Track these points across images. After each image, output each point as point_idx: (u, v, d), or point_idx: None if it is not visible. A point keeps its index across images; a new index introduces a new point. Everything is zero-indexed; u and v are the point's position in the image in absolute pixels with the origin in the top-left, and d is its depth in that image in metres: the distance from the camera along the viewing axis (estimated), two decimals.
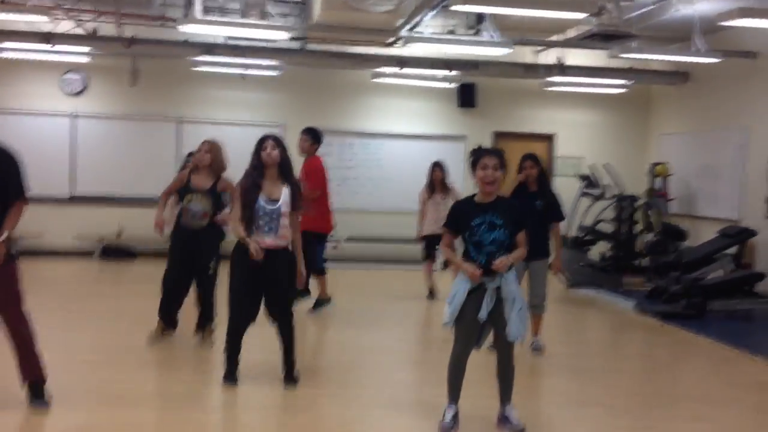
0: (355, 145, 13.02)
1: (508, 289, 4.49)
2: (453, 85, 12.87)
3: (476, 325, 4.51)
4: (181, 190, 6.44)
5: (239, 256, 5.26)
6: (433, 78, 12.31)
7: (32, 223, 11.24)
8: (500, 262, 4.43)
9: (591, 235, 11.42)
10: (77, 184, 12.25)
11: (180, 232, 6.45)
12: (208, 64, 11.66)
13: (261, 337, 5.69)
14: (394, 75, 12.09)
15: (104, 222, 12.20)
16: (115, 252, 12.18)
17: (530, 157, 6.87)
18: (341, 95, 12.98)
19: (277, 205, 5.26)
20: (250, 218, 5.23)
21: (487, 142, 13.37)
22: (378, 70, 12.07)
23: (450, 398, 4.62)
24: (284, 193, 5.30)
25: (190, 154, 8.46)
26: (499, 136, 13.46)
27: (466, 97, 13.15)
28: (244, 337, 5.38)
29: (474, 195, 4.67)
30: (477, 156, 4.62)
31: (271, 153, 5.26)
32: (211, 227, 6.44)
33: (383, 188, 13.03)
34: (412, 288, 10.14)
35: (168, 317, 6.55)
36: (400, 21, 9.37)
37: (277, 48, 11.45)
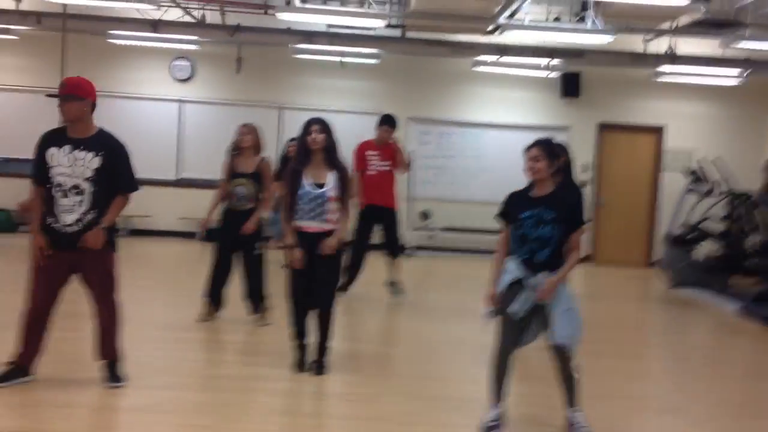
0: (453, 135, 12.87)
1: (557, 333, 4.29)
2: (556, 75, 12.52)
3: (515, 321, 4.34)
4: (230, 174, 6.59)
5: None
6: (535, 67, 12.01)
7: (141, 205, 11.73)
8: (547, 286, 4.25)
9: (696, 233, 10.87)
10: (183, 168, 12.65)
11: (227, 214, 6.61)
12: (309, 51, 11.78)
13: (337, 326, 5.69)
14: (495, 63, 11.86)
15: (207, 205, 12.53)
16: (217, 234, 12.49)
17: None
18: (440, 84, 12.85)
19: (323, 190, 5.24)
20: (292, 204, 5.24)
21: (591, 134, 12.97)
22: (478, 58, 11.88)
23: (492, 398, 4.44)
24: (330, 178, 5.26)
25: (293, 140, 8.66)
26: (604, 127, 13.02)
27: (570, 86, 12.76)
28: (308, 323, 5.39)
29: (531, 186, 4.48)
30: (526, 150, 4.49)
31: (316, 137, 5.22)
32: (256, 210, 6.55)
33: (481, 179, 12.82)
34: None
35: (216, 298, 6.70)
36: (498, 8, 9.16)
37: (376, 36, 11.44)
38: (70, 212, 4.61)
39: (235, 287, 6.71)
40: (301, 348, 5.43)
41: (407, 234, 12.45)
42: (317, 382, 5.21)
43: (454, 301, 8.69)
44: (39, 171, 4.66)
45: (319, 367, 5.35)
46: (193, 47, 12.18)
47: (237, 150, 6.63)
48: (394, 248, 8.44)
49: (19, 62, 12.52)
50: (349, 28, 11.06)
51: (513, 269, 4.37)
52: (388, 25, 10.62)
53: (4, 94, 12.34)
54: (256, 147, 6.65)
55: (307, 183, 5.24)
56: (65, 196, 4.60)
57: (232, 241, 6.53)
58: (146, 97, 12.61)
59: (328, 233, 5.28)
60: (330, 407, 4.77)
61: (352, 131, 12.59)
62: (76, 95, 4.58)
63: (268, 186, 6.59)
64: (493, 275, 4.46)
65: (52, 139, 4.67)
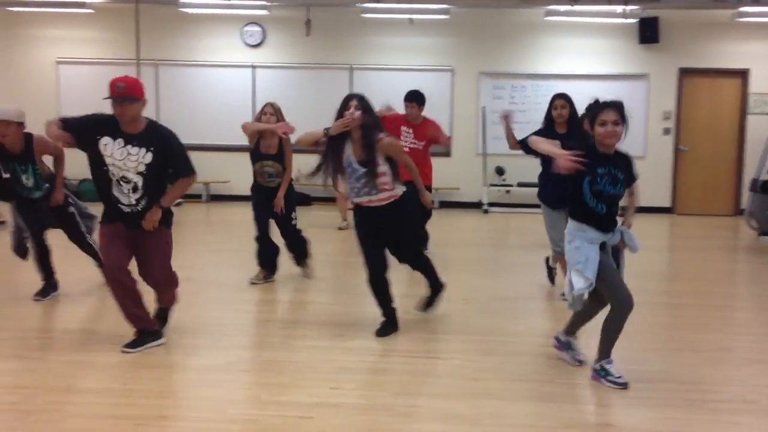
0: (527, 88, 12.61)
1: (633, 244, 4.43)
2: (633, 20, 12.07)
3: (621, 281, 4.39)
4: (253, 155, 6.71)
5: (357, 216, 5.37)
6: (611, 13, 11.61)
7: (219, 171, 11.97)
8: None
9: None
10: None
11: (259, 190, 6.77)
12: (377, 11, 11.69)
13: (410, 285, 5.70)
14: (568, 12, 11.52)
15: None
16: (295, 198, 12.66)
17: (562, 96, 6.50)
18: (512, 36, 12.58)
19: (368, 168, 5.16)
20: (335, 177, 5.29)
21: (671, 81, 12.53)
22: (550, 7, 11.56)
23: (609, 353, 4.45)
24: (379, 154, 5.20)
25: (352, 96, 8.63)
26: (685, 72, 12.54)
27: (648, 32, 12.30)
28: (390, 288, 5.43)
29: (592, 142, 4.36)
30: (595, 110, 4.29)
31: (354, 113, 5.11)
32: (280, 187, 6.72)
33: None
34: None
35: (268, 265, 6.92)
36: None
37: None
38: (127, 195, 4.77)
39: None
40: (389, 313, 5.45)
41: (482, 191, 12.34)
42: (390, 341, 5.24)
43: (528, 258, 8.57)
44: (77, 123, 4.70)
45: (430, 304, 5.71)
46: (263, 12, 12.24)
47: (262, 131, 6.70)
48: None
49: (94, 35, 12.82)
50: None
51: (589, 244, 4.31)
52: None
53: (82, 66, 12.67)
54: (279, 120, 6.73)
55: (352, 161, 5.17)
56: (118, 184, 4.75)
57: (268, 215, 6.74)
58: (219, 63, 12.76)
59: (388, 203, 5.24)
60: (404, 364, 4.78)
61: (423, 88, 12.50)
62: (133, 96, 4.66)
63: (289, 164, 6.72)
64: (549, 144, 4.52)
65: (109, 127, 4.70)
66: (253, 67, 12.86)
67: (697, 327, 5.79)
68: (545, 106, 9.27)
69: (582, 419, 4.00)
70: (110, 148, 4.68)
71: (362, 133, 5.12)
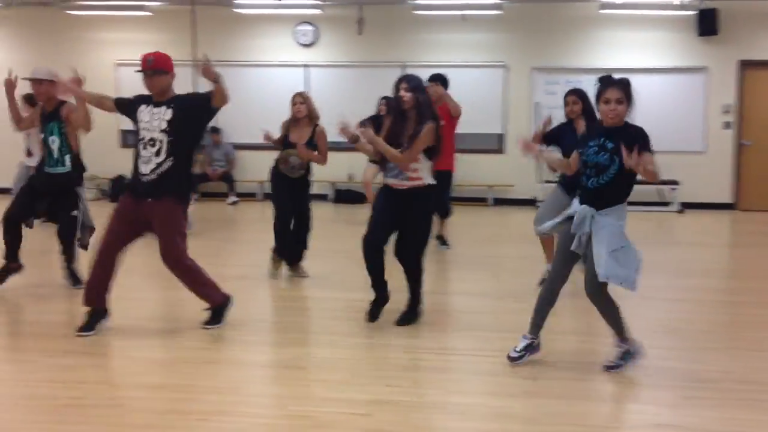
0: (582, 83, 12.37)
1: (603, 222, 4.32)
2: (691, 12, 11.82)
3: (571, 255, 4.46)
4: (284, 142, 6.75)
5: (381, 195, 5.43)
6: (668, 5, 11.40)
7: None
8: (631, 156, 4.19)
9: None
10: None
11: (280, 180, 6.76)
12: (429, 7, 11.67)
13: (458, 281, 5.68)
14: (624, 5, 11.35)
15: (336, 167, 12.76)
16: (346, 195, 12.75)
17: (574, 92, 6.46)
18: (566, 30, 12.43)
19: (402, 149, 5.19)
20: (382, 161, 5.30)
21: (731, 73, 12.24)
22: (605, 0, 11.39)
23: (531, 329, 4.65)
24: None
25: (384, 98, 8.75)
26: (746, 65, 12.23)
27: (707, 24, 12.02)
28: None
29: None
30: (600, 88, 4.38)
31: (404, 95, 5.15)
32: (308, 174, 6.80)
33: None
34: (642, 231, 9.57)
35: (284, 253, 7.00)
36: None
37: None
38: (147, 163, 5.02)
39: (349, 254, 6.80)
40: (377, 300, 5.56)
41: (536, 187, 12.24)
42: (445, 339, 5.24)
43: None
44: (125, 99, 5.26)
45: (405, 320, 5.48)
46: (316, 11, 12.33)
47: (294, 120, 6.74)
48: (443, 209, 8.37)
49: (152, 37, 13.05)
50: None
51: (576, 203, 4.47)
52: None
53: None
54: (311, 116, 6.74)
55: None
56: (144, 148, 5.04)
57: (292, 206, 6.78)
58: (272, 63, 12.90)
59: (414, 190, 5.27)
60: (458, 362, 4.79)
61: (476, 84, 12.49)
62: (163, 70, 5.00)
63: (323, 152, 6.71)
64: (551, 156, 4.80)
65: (147, 98, 5.12)
66: (306, 66, 12.96)
67: (758, 326, 5.66)
68: None
69: (641, 419, 3.94)
70: (142, 113, 5.08)
71: (416, 113, 5.18)
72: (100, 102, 5.37)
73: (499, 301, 6.15)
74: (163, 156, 5.01)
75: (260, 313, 5.95)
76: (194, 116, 5.09)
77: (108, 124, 5.72)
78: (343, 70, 12.95)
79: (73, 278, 6.43)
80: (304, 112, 6.68)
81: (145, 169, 5.04)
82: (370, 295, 5.59)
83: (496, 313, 5.89)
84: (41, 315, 5.79)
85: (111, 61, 12.86)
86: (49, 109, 6.19)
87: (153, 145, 5.01)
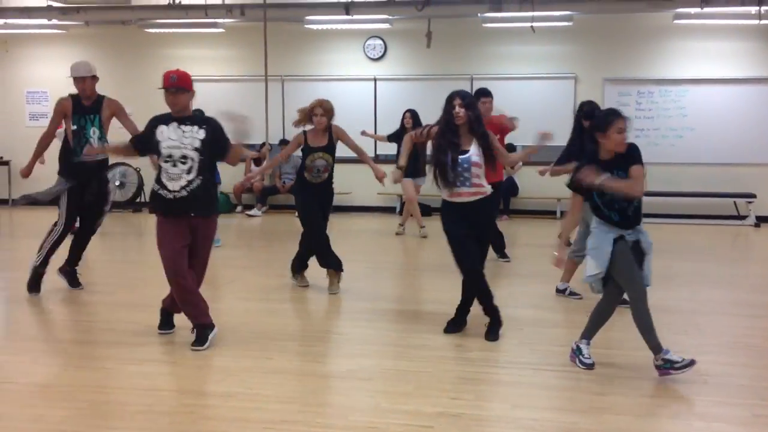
0: (654, 94, 12.21)
1: (648, 241, 4.66)
2: (766, 22, 11.46)
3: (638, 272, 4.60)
4: (304, 149, 6.74)
5: (446, 214, 5.45)
6: (744, 15, 11.09)
7: (342, 182, 12.20)
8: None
9: None
10: (379, 145, 12.97)
11: (307, 189, 6.76)
12: (498, 20, 11.63)
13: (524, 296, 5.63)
14: (698, 15, 11.10)
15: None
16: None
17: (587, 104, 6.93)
18: (638, 41, 12.22)
19: (467, 156, 5.29)
20: (442, 174, 5.31)
21: None
22: (679, 10, 11.17)
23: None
24: (473, 146, 5.32)
25: (409, 111, 9.83)
26: None
27: None
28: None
29: (595, 153, 4.62)
30: (608, 119, 4.53)
31: (459, 111, 5.25)
32: (330, 178, 6.82)
33: (687, 139, 12.09)
34: (716, 245, 9.33)
35: (304, 266, 7.09)
36: None
37: None
38: (177, 179, 5.08)
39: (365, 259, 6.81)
40: (491, 314, 5.53)
41: None
42: (510, 352, 5.19)
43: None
44: (139, 136, 5.43)
45: (453, 328, 5.56)
46: (385, 26, 12.43)
47: (313, 130, 6.78)
48: None
49: (224, 53, 13.39)
50: None
51: (607, 232, 4.61)
52: None
53: (212, 84, 13.24)
54: (330, 122, 6.81)
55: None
56: (174, 166, 5.08)
57: (320, 215, 6.81)
58: (342, 78, 13.04)
59: (480, 200, 5.34)
60: (525, 376, 4.73)
61: (546, 96, 12.36)
62: (185, 88, 5.12)
63: (354, 146, 6.96)
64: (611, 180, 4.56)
65: (161, 119, 5.18)
66: (375, 79, 13.07)
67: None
68: (674, 112, 9.04)
69: None
70: (165, 132, 5.12)
71: (468, 128, 5.32)
72: (129, 153, 5.47)
73: (566, 315, 6.06)
74: (194, 174, 5.10)
75: (324, 323, 6.00)
76: (216, 146, 5.21)
77: (124, 133, 5.94)
78: (412, 83, 13.00)
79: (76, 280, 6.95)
80: (324, 124, 6.74)
81: (173, 185, 5.09)
82: (437, 308, 5.58)
83: (559, 326, 5.81)
84: (116, 323, 5.96)
85: None
86: (89, 103, 6.67)
87: (184, 163, 5.08)
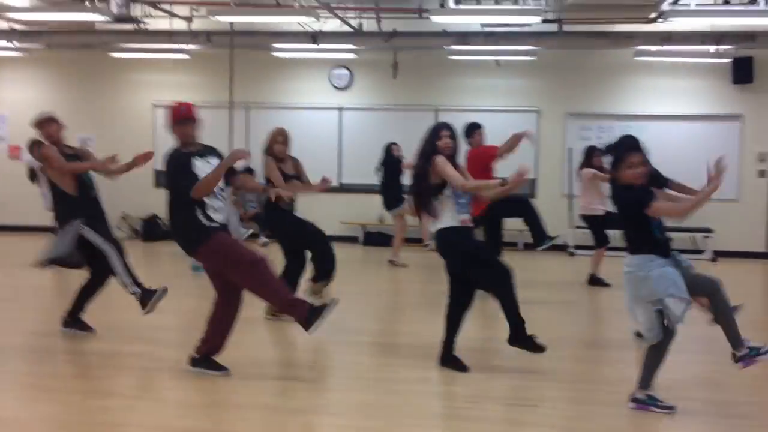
0: (615, 128, 12.32)
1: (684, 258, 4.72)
2: (726, 60, 11.78)
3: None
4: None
5: (462, 233, 5.38)
6: (703, 53, 11.38)
7: (306, 210, 12.15)
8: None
9: None
10: (343, 174, 12.97)
11: (288, 213, 6.93)
12: (464, 53, 11.77)
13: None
14: (658, 52, 11.36)
15: (367, 210, 12.81)
16: (377, 238, 12.76)
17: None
18: (600, 76, 12.46)
19: None
20: (427, 203, 5.34)
21: (767, 120, 12.13)
22: (640, 48, 11.42)
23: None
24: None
25: (394, 144, 10.57)
26: None
27: (742, 72, 11.97)
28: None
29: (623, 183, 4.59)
30: (619, 153, 4.55)
31: (449, 143, 5.35)
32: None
33: None
34: None
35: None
36: None
37: (532, 32, 11.25)
38: (221, 211, 5.11)
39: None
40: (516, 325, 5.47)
41: (567, 232, 12.16)
42: (480, 386, 5.17)
43: (604, 300, 8.31)
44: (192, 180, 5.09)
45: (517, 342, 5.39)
46: (351, 56, 12.48)
47: (280, 158, 6.87)
48: None
49: (189, 79, 13.30)
50: (505, 26, 10.96)
51: (661, 265, 4.48)
52: (545, 21, 10.40)
53: (202, 110, 13.14)
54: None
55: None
56: (216, 198, 5.09)
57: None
58: (307, 106, 13.04)
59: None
60: (497, 412, 4.72)
61: (509, 129, 12.43)
62: (194, 119, 5.20)
63: (306, 179, 7.05)
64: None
65: (189, 154, 5.12)
66: (341, 109, 13.10)
67: None
68: None
69: None
70: (200, 166, 5.08)
71: (452, 159, 5.36)
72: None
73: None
74: (227, 202, 5.26)
75: (300, 356, 5.93)
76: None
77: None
78: (377, 113, 13.05)
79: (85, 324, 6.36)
80: (288, 150, 6.94)
81: (219, 217, 5.11)
82: (413, 335, 5.51)
83: (531, 360, 5.81)
84: (78, 354, 5.82)
85: (149, 102, 13.10)
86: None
87: (222, 190, 5.16)
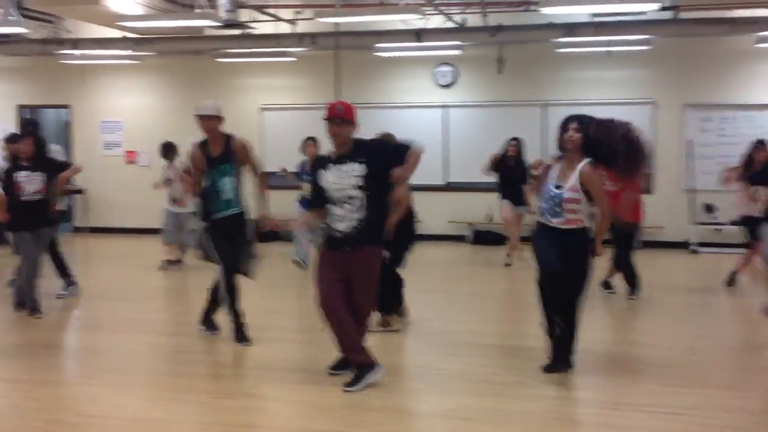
0: (737, 119, 11.80)
1: None
2: None
3: None
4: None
5: (537, 232, 5.23)
6: None
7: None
8: None
9: None
10: (450, 172, 12.81)
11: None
12: (572, 45, 11.42)
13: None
14: None
15: (474, 208, 12.61)
16: (486, 237, 12.54)
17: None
18: (718, 65, 11.84)
19: (560, 192, 5.04)
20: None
21: None
22: (762, 34, 10.80)
23: None
24: (573, 180, 5.02)
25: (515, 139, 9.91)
26: None
27: None
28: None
29: None
30: None
31: (573, 136, 5.01)
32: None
33: None
34: None
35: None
36: None
37: (646, 20, 10.80)
38: (342, 220, 4.90)
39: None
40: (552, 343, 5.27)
41: (689, 229, 11.64)
42: (622, 393, 4.94)
43: (743, 303, 7.87)
44: (315, 196, 5.06)
45: (555, 366, 5.18)
46: (455, 52, 12.31)
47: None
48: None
49: (295, 82, 13.41)
50: (616, 15, 10.56)
51: None
52: (661, 8, 9.96)
53: (283, 112, 13.27)
54: None
55: (550, 180, 5.11)
56: (341, 207, 4.91)
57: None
58: (412, 105, 12.93)
59: (573, 230, 5.06)
60: (643, 419, 4.47)
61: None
62: (350, 120, 4.95)
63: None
64: None
65: (319, 164, 5.07)
66: (445, 107, 12.94)
67: None
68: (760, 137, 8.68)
69: None
70: (326, 176, 4.96)
71: (585, 155, 5.04)
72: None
73: (668, 352, 5.77)
74: (364, 211, 4.91)
75: (422, 359, 5.80)
76: (387, 166, 4.98)
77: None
78: (482, 109, 12.83)
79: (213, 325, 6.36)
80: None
81: (342, 226, 4.93)
82: (536, 344, 5.34)
83: (669, 365, 5.51)
84: (206, 355, 5.88)
85: (256, 106, 13.28)
86: (217, 152, 5.99)
87: (352, 203, 4.91)
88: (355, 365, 4.97)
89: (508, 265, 10.12)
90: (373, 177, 4.89)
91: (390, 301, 6.47)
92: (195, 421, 4.50)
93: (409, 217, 6.50)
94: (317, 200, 5.06)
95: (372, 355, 5.00)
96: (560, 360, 5.21)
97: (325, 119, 4.94)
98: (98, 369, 5.60)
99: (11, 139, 7.73)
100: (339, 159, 4.96)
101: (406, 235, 6.50)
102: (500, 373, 5.39)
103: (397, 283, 6.57)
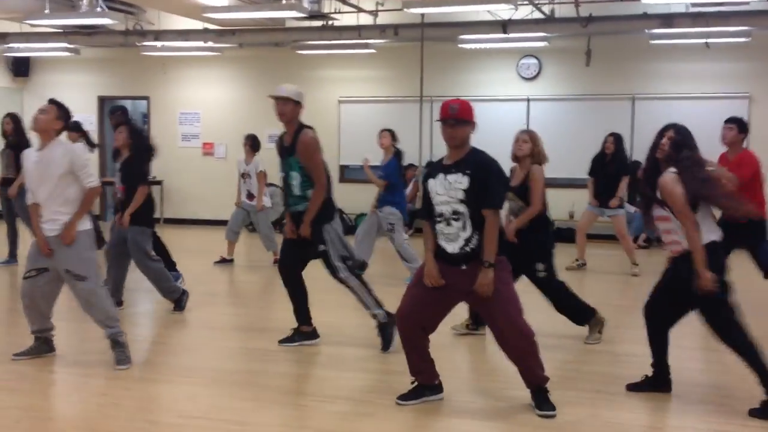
0: None
1: None
2: None
3: None
4: None
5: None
6: None
7: None
8: None
9: None
10: None
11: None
12: (668, 36, 10.94)
13: None
14: None
15: (557, 204, 12.21)
16: (569, 233, 12.13)
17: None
18: None
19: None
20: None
21: None
22: None
23: None
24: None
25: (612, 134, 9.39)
26: None
27: None
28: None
29: None
30: None
31: (664, 144, 4.58)
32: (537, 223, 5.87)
33: None
34: None
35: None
36: None
37: (747, 11, 10.28)
38: (454, 240, 4.34)
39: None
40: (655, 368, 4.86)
41: None
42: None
43: None
44: (425, 205, 4.52)
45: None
46: (541, 44, 11.94)
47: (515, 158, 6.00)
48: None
49: (374, 74, 13.23)
50: (716, 5, 10.08)
51: None
52: None
53: (361, 105, 13.10)
54: (537, 157, 5.95)
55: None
56: (448, 224, 4.36)
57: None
58: (495, 98, 12.60)
59: (675, 259, 4.60)
60: None
61: (717, 117, 11.49)
62: (466, 119, 4.36)
63: (535, 194, 5.83)
64: None
65: (432, 171, 4.51)
66: (528, 100, 12.59)
67: None
68: None
69: None
70: (434, 187, 4.41)
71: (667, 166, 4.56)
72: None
73: None
74: (470, 230, 4.31)
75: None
76: (482, 194, 4.32)
77: (328, 159, 5.49)
78: (566, 103, 12.45)
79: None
80: (525, 151, 5.94)
81: (451, 248, 4.35)
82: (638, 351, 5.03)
83: None
84: (297, 355, 5.72)
85: (335, 98, 13.14)
86: (288, 141, 5.65)
87: (457, 219, 4.32)
88: (419, 382, 4.61)
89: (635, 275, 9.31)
90: (475, 193, 4.29)
91: (578, 309, 6.01)
92: (295, 426, 4.33)
93: (542, 219, 5.97)
94: (424, 211, 4.52)
95: (436, 377, 4.64)
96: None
97: (438, 120, 4.42)
98: (192, 367, 5.47)
99: (74, 127, 7.63)
100: (449, 167, 4.39)
101: (544, 238, 5.98)
102: (584, 377, 5.08)
103: (568, 290, 6.03)
